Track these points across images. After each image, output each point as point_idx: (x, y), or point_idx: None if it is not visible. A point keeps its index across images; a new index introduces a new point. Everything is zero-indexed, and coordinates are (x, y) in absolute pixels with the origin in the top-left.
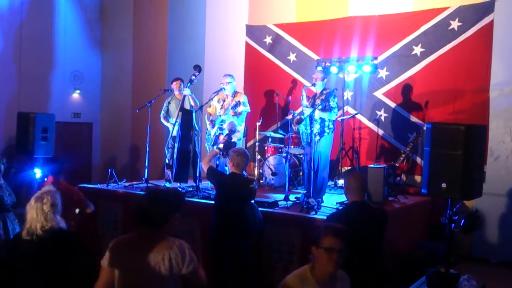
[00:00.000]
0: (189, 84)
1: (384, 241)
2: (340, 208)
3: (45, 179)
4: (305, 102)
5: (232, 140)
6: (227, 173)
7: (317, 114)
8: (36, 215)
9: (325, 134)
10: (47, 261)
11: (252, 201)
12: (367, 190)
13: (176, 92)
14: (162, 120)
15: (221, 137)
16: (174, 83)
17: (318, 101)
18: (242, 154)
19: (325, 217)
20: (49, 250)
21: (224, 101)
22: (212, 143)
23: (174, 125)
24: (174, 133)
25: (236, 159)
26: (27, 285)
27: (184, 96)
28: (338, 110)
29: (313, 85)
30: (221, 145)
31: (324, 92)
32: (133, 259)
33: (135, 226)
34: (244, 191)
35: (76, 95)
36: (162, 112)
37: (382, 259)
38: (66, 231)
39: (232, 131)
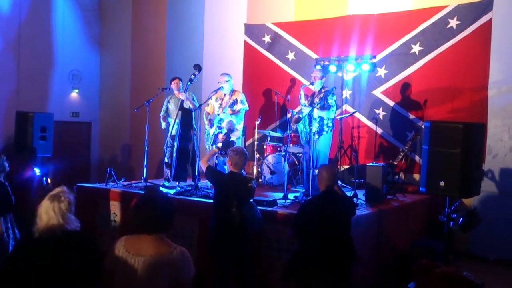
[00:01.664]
0: (188, 83)
1: (351, 229)
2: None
3: (44, 178)
4: (303, 101)
5: (231, 139)
6: (226, 172)
7: (316, 112)
8: (54, 213)
9: (324, 132)
10: (65, 261)
11: (251, 200)
12: (337, 181)
13: (176, 92)
14: (161, 120)
15: (220, 136)
16: (173, 82)
17: (316, 100)
18: (241, 153)
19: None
20: (66, 250)
21: (222, 99)
22: (211, 142)
23: (173, 124)
24: (173, 132)
25: (235, 158)
26: (44, 286)
27: (182, 100)
28: (337, 109)
29: (312, 83)
30: (219, 144)
31: (323, 90)
32: (133, 262)
33: (135, 229)
34: (243, 190)
35: (74, 94)
36: (162, 111)
37: (351, 245)
38: (81, 232)
39: (230, 130)
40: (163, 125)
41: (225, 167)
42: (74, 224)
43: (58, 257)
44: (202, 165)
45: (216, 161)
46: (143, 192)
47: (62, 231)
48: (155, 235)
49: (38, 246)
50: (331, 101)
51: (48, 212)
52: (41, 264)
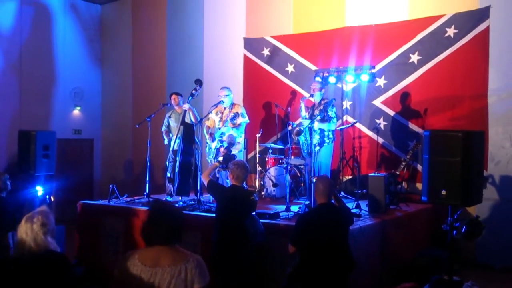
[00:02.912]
0: (190, 98)
1: (348, 239)
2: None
3: (47, 196)
4: (303, 113)
5: (232, 153)
6: (228, 185)
7: (316, 125)
8: (26, 235)
9: (325, 144)
10: (32, 282)
11: (253, 213)
12: (335, 193)
13: (176, 107)
14: (164, 135)
15: (222, 150)
16: (172, 97)
17: (316, 112)
18: (242, 166)
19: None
20: (35, 272)
21: (222, 113)
22: (213, 156)
23: (175, 139)
24: (175, 147)
25: (236, 172)
26: None
27: (185, 111)
28: (337, 120)
29: (311, 95)
30: (220, 158)
31: (322, 102)
32: (150, 274)
33: (149, 242)
34: (245, 203)
35: (76, 111)
36: (164, 127)
37: (350, 254)
38: (55, 253)
39: (231, 143)
40: (166, 140)
41: (227, 180)
42: (49, 246)
43: (23, 278)
44: (204, 180)
45: (218, 175)
46: (150, 205)
47: (32, 252)
48: (170, 245)
49: (10, 267)
50: (331, 113)
51: (20, 233)
52: (8, 285)
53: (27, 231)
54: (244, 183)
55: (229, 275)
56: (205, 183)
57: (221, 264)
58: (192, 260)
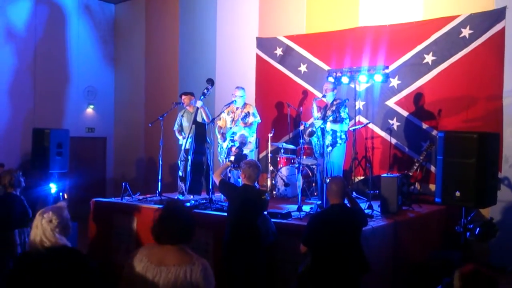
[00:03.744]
0: (202, 97)
1: (360, 239)
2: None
3: (61, 194)
4: (315, 113)
5: (244, 152)
6: (240, 185)
7: (329, 126)
8: (36, 228)
9: (338, 144)
10: (46, 277)
11: (265, 213)
12: (348, 193)
13: (187, 106)
14: (177, 134)
15: (233, 149)
16: (182, 98)
17: (329, 112)
18: (254, 166)
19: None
20: (47, 266)
21: (233, 113)
22: (225, 156)
23: (187, 138)
24: (187, 146)
25: (248, 171)
26: None
27: (197, 109)
28: (350, 120)
29: (324, 96)
30: (232, 158)
31: (335, 103)
32: (155, 272)
33: (158, 240)
34: (257, 203)
35: (90, 110)
36: (176, 125)
37: (363, 256)
38: (68, 248)
39: (242, 143)
40: (181, 139)
41: (239, 180)
42: (59, 241)
43: (42, 272)
44: (216, 179)
45: (230, 175)
46: (163, 205)
47: (44, 247)
48: (178, 245)
49: (27, 261)
50: (343, 113)
51: (33, 227)
52: (28, 279)
53: (37, 225)
54: (256, 182)
55: (240, 275)
56: (217, 182)
57: (232, 263)
58: (198, 263)
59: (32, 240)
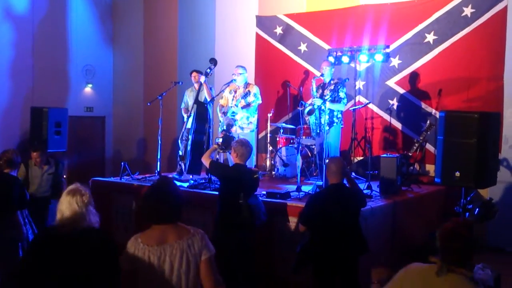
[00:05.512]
0: (204, 77)
1: (359, 220)
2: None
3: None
4: (315, 92)
5: (231, 134)
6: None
7: (327, 105)
8: (78, 207)
9: (334, 124)
10: (78, 258)
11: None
12: (347, 173)
13: (195, 84)
14: (183, 112)
15: (221, 132)
16: (192, 75)
17: (327, 92)
18: (246, 144)
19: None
20: (80, 247)
21: (235, 92)
22: None
23: (188, 117)
24: (189, 125)
25: (240, 150)
26: (59, 282)
27: (200, 84)
28: (348, 101)
29: (322, 75)
30: (219, 140)
31: (332, 82)
32: (159, 253)
33: (150, 222)
34: (249, 182)
35: (88, 89)
36: (183, 104)
37: (362, 237)
38: (97, 230)
39: (230, 125)
40: (185, 117)
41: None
42: (95, 218)
43: (77, 252)
44: (205, 162)
45: (218, 156)
46: (151, 185)
47: (83, 227)
48: (172, 224)
49: (60, 241)
50: (342, 93)
51: (71, 206)
52: (60, 258)
53: (78, 203)
54: (254, 163)
55: (231, 255)
56: (206, 165)
57: (223, 243)
58: (196, 233)
59: (69, 219)
